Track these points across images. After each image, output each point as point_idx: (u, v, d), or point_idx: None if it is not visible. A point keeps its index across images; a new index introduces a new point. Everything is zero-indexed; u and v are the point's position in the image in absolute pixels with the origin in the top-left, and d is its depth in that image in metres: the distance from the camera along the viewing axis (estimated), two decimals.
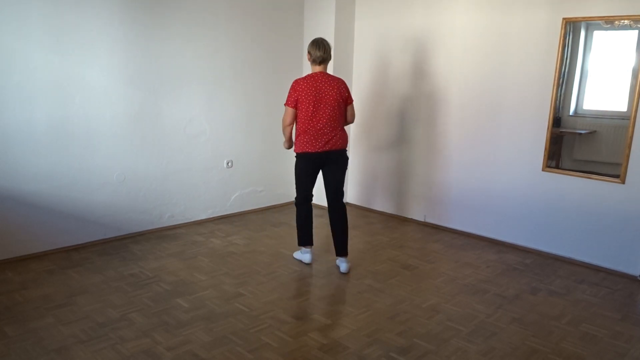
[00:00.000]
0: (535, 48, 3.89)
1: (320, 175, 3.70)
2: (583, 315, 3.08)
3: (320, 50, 3.44)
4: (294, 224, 4.68)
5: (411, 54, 4.67)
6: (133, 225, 4.20)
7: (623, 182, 3.61)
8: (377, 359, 2.53)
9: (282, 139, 3.79)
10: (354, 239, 4.34)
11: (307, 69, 5.18)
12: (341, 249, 3.65)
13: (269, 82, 4.94)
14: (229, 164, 4.79)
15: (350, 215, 5.01)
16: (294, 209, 5.18)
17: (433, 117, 4.60)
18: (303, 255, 3.77)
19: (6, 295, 3.10)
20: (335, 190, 3.62)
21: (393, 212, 5.07)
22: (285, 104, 3.50)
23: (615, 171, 3.64)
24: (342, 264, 3.64)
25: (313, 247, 3.82)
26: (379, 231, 4.59)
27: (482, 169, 4.33)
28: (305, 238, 3.71)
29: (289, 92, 3.47)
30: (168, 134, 4.28)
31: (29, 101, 3.49)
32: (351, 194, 5.45)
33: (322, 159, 3.52)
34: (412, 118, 4.76)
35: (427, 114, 4.63)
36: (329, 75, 3.50)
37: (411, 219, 4.92)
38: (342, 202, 3.68)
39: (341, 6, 4.91)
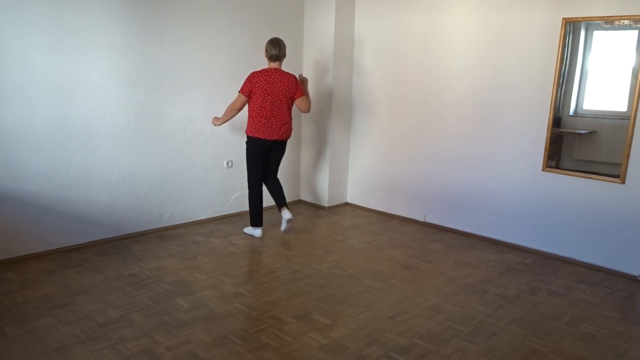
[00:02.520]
0: (535, 48, 3.89)
1: None
2: (583, 315, 3.08)
3: (276, 49, 3.94)
4: (294, 223, 4.70)
5: (411, 53, 4.67)
6: (133, 225, 4.20)
7: (623, 182, 3.61)
8: (377, 359, 2.53)
9: (222, 116, 4.16)
10: (354, 239, 4.34)
11: (307, 68, 5.21)
12: (283, 201, 4.26)
13: None
14: (229, 164, 4.79)
15: (350, 215, 5.03)
16: (294, 209, 5.22)
17: (433, 117, 4.60)
18: (254, 231, 4.27)
19: (6, 295, 3.10)
20: (274, 170, 4.27)
21: (393, 212, 5.07)
22: (239, 91, 3.98)
23: (615, 171, 3.64)
24: (286, 213, 4.17)
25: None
26: (379, 231, 4.59)
27: (482, 169, 4.33)
28: (257, 219, 4.23)
29: (245, 82, 3.95)
30: (168, 134, 4.28)
31: (29, 101, 3.49)
32: (351, 193, 5.45)
33: (268, 146, 4.06)
34: (411, 118, 4.76)
35: (427, 113, 4.63)
36: (282, 71, 4.00)
37: (411, 219, 4.92)
38: (277, 179, 4.32)
39: (341, 6, 4.91)
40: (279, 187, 4.28)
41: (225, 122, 4.18)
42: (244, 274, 3.54)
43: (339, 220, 4.89)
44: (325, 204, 5.26)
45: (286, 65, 5.06)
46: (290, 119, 4.09)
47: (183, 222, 4.54)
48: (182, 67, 4.26)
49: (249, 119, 4.02)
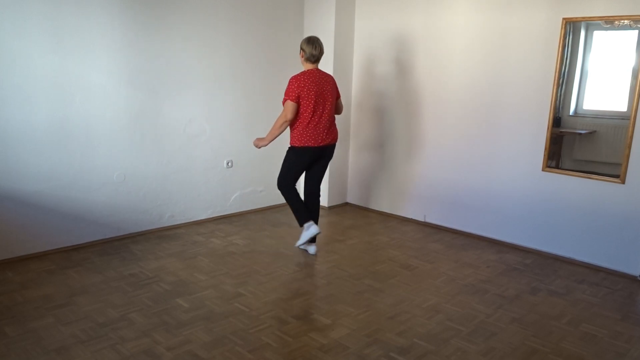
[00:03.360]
0: (535, 48, 3.89)
1: None
2: (583, 315, 3.08)
3: (316, 49, 3.61)
4: (294, 224, 4.70)
5: (411, 53, 4.67)
6: (133, 225, 4.20)
7: (623, 182, 3.61)
8: (377, 359, 2.53)
9: (267, 135, 3.74)
10: (354, 239, 4.34)
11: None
12: (315, 217, 3.90)
13: (269, 82, 4.94)
14: (229, 164, 4.79)
15: (350, 215, 5.03)
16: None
17: (433, 117, 4.60)
18: (309, 230, 3.82)
19: (6, 295, 3.10)
20: (317, 181, 3.88)
21: (393, 212, 5.07)
22: (287, 99, 3.55)
23: (615, 171, 3.64)
24: (313, 227, 3.82)
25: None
26: (379, 231, 4.59)
27: (482, 169, 4.33)
28: (305, 214, 3.82)
29: (290, 87, 3.54)
30: (168, 133, 4.28)
31: (29, 101, 3.49)
32: (351, 194, 5.45)
33: (318, 153, 3.72)
34: (411, 117, 4.76)
35: (427, 113, 4.63)
36: (323, 71, 3.70)
37: (411, 219, 4.92)
38: (319, 195, 3.95)
39: (341, 6, 4.91)
40: (317, 206, 3.93)
41: (274, 140, 3.74)
42: (244, 274, 3.54)
43: (339, 221, 4.89)
44: (325, 204, 5.26)
45: (286, 65, 5.07)
46: (334, 119, 3.82)
47: (183, 222, 4.54)
48: (182, 67, 4.26)
49: (295, 128, 3.64)
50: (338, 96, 3.83)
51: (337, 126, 5.12)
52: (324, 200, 5.27)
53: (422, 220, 4.84)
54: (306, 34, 5.13)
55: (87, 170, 3.85)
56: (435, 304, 3.16)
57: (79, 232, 3.89)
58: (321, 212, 5.12)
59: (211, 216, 4.74)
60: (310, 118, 3.59)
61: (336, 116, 3.96)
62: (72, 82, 3.66)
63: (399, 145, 4.90)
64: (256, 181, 5.06)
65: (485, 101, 4.23)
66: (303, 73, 3.60)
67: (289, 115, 3.55)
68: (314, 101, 3.56)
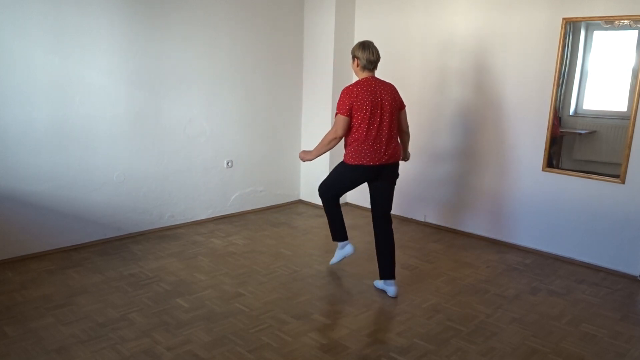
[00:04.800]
0: (535, 48, 3.89)
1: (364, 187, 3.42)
2: (583, 315, 3.08)
3: (373, 54, 3.20)
4: (294, 224, 4.70)
5: (411, 53, 4.67)
6: (133, 225, 4.20)
7: (623, 182, 3.61)
8: (377, 359, 2.53)
9: (314, 150, 3.35)
10: (354, 239, 4.33)
11: (308, 69, 5.19)
12: (388, 271, 3.28)
13: (269, 82, 4.94)
14: (229, 164, 4.79)
15: (351, 215, 5.03)
16: (294, 209, 5.22)
17: (433, 117, 4.60)
18: (343, 249, 3.51)
19: (6, 295, 3.10)
20: (385, 210, 3.31)
21: (393, 212, 5.04)
22: (338, 113, 3.12)
23: (615, 171, 3.64)
24: (392, 287, 3.26)
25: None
26: None
27: (482, 169, 4.33)
28: (341, 231, 3.47)
29: (342, 99, 3.11)
30: (168, 134, 4.28)
31: (29, 101, 3.49)
32: (351, 194, 5.45)
33: (375, 173, 3.20)
34: (411, 117, 4.74)
35: (428, 113, 4.63)
36: (381, 80, 3.23)
37: (411, 219, 4.92)
38: (390, 222, 3.34)
39: (341, 6, 4.91)
40: (390, 244, 3.28)
41: (320, 156, 3.35)
42: (244, 274, 3.54)
43: None
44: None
45: (286, 65, 5.07)
46: (397, 135, 3.28)
47: (183, 222, 4.54)
48: (183, 67, 4.26)
49: (349, 144, 3.18)
50: (402, 107, 3.29)
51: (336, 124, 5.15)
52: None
53: (422, 220, 4.84)
54: (306, 34, 5.13)
55: (87, 171, 3.85)
56: (435, 304, 3.16)
57: (79, 232, 3.89)
58: (320, 212, 5.07)
59: (211, 216, 4.74)
60: (367, 133, 3.10)
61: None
62: (72, 82, 3.66)
63: None
64: (256, 181, 5.06)
65: (485, 101, 4.23)
66: (357, 83, 3.15)
67: (340, 131, 3.13)
68: (370, 113, 3.08)
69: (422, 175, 4.75)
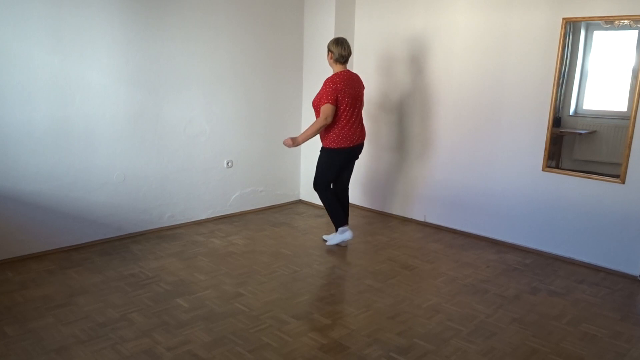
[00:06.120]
0: (535, 48, 3.89)
1: None
2: (583, 315, 3.08)
3: (346, 49, 3.71)
4: (294, 223, 4.71)
5: (411, 53, 4.67)
6: (133, 225, 4.20)
7: (623, 182, 3.61)
8: (377, 359, 2.53)
9: (301, 135, 3.81)
10: (355, 239, 4.33)
11: (308, 69, 5.20)
12: (346, 220, 4.09)
13: (269, 82, 4.94)
14: (229, 164, 4.79)
15: (351, 215, 5.02)
16: (294, 209, 5.23)
17: (433, 117, 4.60)
18: (344, 234, 4.01)
19: (6, 295, 3.10)
20: (347, 179, 4.06)
21: (393, 212, 5.07)
22: (326, 102, 3.61)
23: (615, 171, 3.64)
24: (348, 231, 4.04)
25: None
26: (379, 231, 4.59)
27: (482, 169, 4.33)
28: (341, 217, 3.98)
29: (328, 90, 3.60)
30: (168, 133, 4.28)
31: (29, 101, 3.49)
32: (352, 194, 5.43)
33: (352, 153, 3.84)
34: (412, 117, 4.76)
35: (427, 113, 4.63)
36: (352, 71, 3.79)
37: (411, 219, 4.92)
38: (347, 188, 4.16)
39: (341, 6, 4.91)
40: (347, 202, 4.18)
41: (307, 141, 3.84)
42: (244, 274, 3.54)
43: None
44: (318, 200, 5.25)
45: (286, 65, 5.07)
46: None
47: (183, 222, 4.54)
48: (183, 67, 4.26)
49: (332, 130, 3.71)
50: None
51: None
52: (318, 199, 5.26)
53: (422, 220, 4.84)
54: (306, 34, 5.13)
55: (87, 170, 3.85)
56: (435, 304, 3.16)
57: (79, 232, 3.89)
58: (320, 212, 5.13)
59: (211, 216, 4.74)
60: (348, 119, 3.68)
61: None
62: (72, 82, 3.66)
63: (399, 146, 4.90)
64: (256, 181, 5.06)
65: (485, 101, 4.23)
66: (337, 75, 3.67)
67: (330, 118, 3.62)
68: (350, 103, 3.65)
69: (422, 175, 4.75)
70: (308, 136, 3.74)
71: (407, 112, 4.79)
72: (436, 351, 2.62)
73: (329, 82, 3.61)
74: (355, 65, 5.15)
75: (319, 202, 5.33)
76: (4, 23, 3.31)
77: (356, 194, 5.39)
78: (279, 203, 5.31)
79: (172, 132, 4.30)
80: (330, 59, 3.73)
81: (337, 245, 4.12)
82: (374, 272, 3.64)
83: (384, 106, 4.97)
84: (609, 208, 3.70)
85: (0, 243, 3.53)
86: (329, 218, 4.93)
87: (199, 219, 4.65)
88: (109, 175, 3.98)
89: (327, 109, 3.60)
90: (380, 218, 4.99)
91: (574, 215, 3.87)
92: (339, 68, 3.72)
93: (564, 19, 3.71)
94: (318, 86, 5.13)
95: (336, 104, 3.62)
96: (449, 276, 3.60)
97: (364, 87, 3.90)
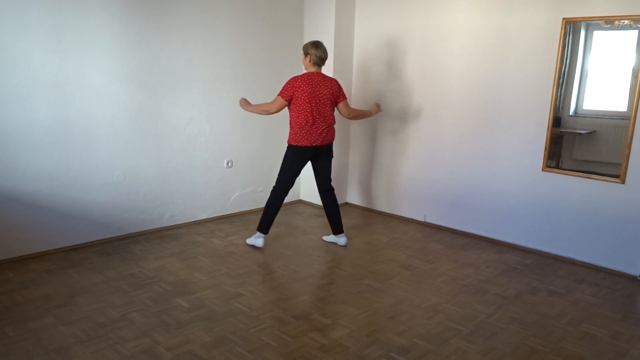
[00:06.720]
0: (535, 48, 3.89)
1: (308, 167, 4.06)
2: (583, 315, 3.08)
3: (323, 52, 3.77)
4: (295, 223, 4.71)
5: (412, 53, 4.67)
6: (133, 225, 4.20)
7: (623, 182, 3.61)
8: (377, 359, 2.53)
9: (251, 106, 3.94)
10: (354, 239, 4.34)
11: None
12: (339, 228, 4.11)
13: (268, 82, 4.93)
14: (229, 164, 4.79)
15: (351, 215, 5.03)
16: (294, 209, 5.22)
17: (433, 117, 4.60)
18: (256, 240, 4.02)
19: (6, 295, 3.10)
20: (326, 177, 4.04)
21: (393, 212, 5.07)
22: (279, 94, 3.75)
23: (615, 171, 3.64)
24: (342, 239, 4.12)
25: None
26: (379, 231, 4.59)
27: (482, 169, 4.33)
28: (267, 225, 3.99)
29: (286, 86, 3.74)
30: (168, 133, 4.28)
31: (29, 101, 3.49)
32: (351, 194, 5.45)
33: (312, 153, 3.87)
34: (411, 117, 4.76)
35: (428, 113, 4.63)
36: (325, 75, 3.84)
37: (411, 219, 4.92)
38: (331, 186, 4.07)
39: (341, 6, 4.91)
40: (335, 206, 4.07)
41: (251, 112, 4.02)
42: (244, 274, 3.54)
43: None
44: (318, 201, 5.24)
45: (286, 65, 5.07)
46: (334, 122, 3.91)
47: (183, 222, 4.54)
48: (182, 67, 4.26)
49: (291, 127, 3.82)
50: (342, 99, 3.92)
51: (337, 127, 5.12)
52: (318, 199, 5.26)
53: (422, 220, 4.84)
54: (306, 34, 5.13)
55: (87, 170, 3.85)
56: (435, 304, 3.16)
57: (79, 232, 3.89)
58: (320, 212, 5.11)
59: (211, 216, 4.74)
60: (306, 121, 3.73)
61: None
62: (72, 82, 3.66)
63: (399, 146, 4.90)
64: (256, 181, 5.06)
65: (485, 101, 4.23)
66: (302, 75, 3.77)
67: (274, 109, 3.78)
68: (309, 104, 3.71)
69: (422, 175, 4.75)
70: (253, 111, 3.92)
71: (407, 112, 4.78)
72: (436, 351, 2.62)
73: (291, 79, 3.76)
74: (355, 65, 5.15)
75: (319, 202, 5.33)
76: (4, 23, 3.31)
77: (356, 194, 5.39)
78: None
79: (172, 132, 4.30)
80: (309, 61, 3.77)
81: (252, 246, 4.06)
82: (374, 272, 3.64)
83: (383, 106, 4.96)
84: (609, 208, 3.70)
85: (0, 243, 3.53)
86: (324, 210, 4.93)
87: (199, 219, 4.65)
88: (109, 175, 3.98)
89: (277, 100, 3.76)
90: (380, 218, 4.99)
91: (574, 215, 3.87)
92: (311, 69, 3.79)
93: (564, 19, 3.71)
94: None
95: (289, 102, 3.74)
96: (449, 276, 3.60)
97: (337, 93, 3.85)
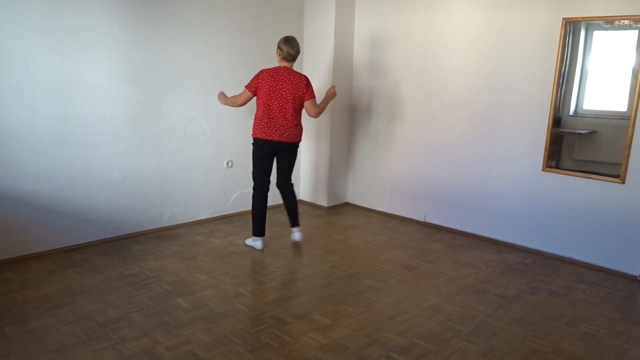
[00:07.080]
0: (535, 48, 3.89)
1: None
2: (583, 315, 3.08)
3: (293, 48, 3.72)
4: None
5: (411, 53, 4.67)
6: (133, 225, 4.20)
7: (623, 182, 3.61)
8: (377, 359, 2.53)
9: (225, 99, 3.96)
10: (354, 239, 4.34)
11: (307, 69, 5.20)
12: (296, 221, 4.15)
13: None
14: (229, 164, 4.79)
15: (351, 215, 5.03)
16: None
17: (433, 117, 4.60)
18: (254, 242, 4.02)
19: (6, 295, 3.10)
20: (285, 175, 4.02)
21: (393, 212, 5.07)
22: (245, 86, 3.79)
23: (615, 171, 3.64)
24: (297, 233, 4.16)
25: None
26: (379, 231, 4.59)
27: (482, 169, 4.33)
28: (259, 229, 3.99)
29: (253, 78, 3.77)
30: (168, 133, 4.28)
31: (29, 101, 3.49)
32: (351, 194, 5.45)
33: (273, 148, 3.81)
34: (411, 117, 4.76)
35: (428, 113, 4.63)
36: (293, 71, 3.77)
37: (411, 219, 4.92)
38: (290, 182, 4.07)
39: (341, 6, 4.91)
40: (293, 201, 4.08)
41: (225, 103, 3.98)
42: (244, 274, 3.54)
43: (339, 220, 4.88)
44: (325, 204, 5.26)
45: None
46: (298, 122, 3.83)
47: (183, 222, 4.54)
48: (182, 67, 4.26)
49: (254, 119, 3.82)
50: (309, 98, 3.79)
51: (337, 127, 5.17)
52: (323, 201, 5.27)
53: (422, 220, 4.84)
54: (306, 34, 5.14)
55: (87, 170, 3.85)
56: (435, 304, 3.16)
57: (79, 232, 3.89)
58: (321, 212, 5.13)
59: (211, 216, 4.74)
60: (264, 114, 3.73)
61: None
62: (72, 82, 3.66)
63: (399, 145, 4.90)
64: None
65: (485, 101, 4.23)
66: (271, 68, 3.75)
67: (240, 101, 3.83)
68: (269, 97, 3.69)
69: (422, 175, 4.75)
70: (223, 102, 3.96)
71: (407, 112, 4.78)
72: (436, 351, 2.62)
73: (259, 72, 3.77)
74: (355, 65, 5.15)
75: (319, 202, 5.34)
76: (4, 23, 3.31)
77: (356, 193, 5.39)
78: (278, 203, 5.29)
79: (172, 132, 4.30)
80: (279, 56, 3.76)
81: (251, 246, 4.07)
82: (373, 272, 3.64)
83: (384, 106, 4.97)
84: (609, 208, 3.70)
85: (0, 243, 3.53)
86: (328, 218, 4.95)
87: (199, 218, 4.65)
88: (109, 175, 3.98)
89: (243, 92, 3.80)
90: (381, 218, 4.99)
91: (574, 215, 3.87)
92: (281, 64, 3.78)
93: (564, 19, 3.71)
94: (317, 86, 5.15)
95: (255, 93, 3.75)
96: (449, 276, 3.60)
97: (303, 90, 3.74)
